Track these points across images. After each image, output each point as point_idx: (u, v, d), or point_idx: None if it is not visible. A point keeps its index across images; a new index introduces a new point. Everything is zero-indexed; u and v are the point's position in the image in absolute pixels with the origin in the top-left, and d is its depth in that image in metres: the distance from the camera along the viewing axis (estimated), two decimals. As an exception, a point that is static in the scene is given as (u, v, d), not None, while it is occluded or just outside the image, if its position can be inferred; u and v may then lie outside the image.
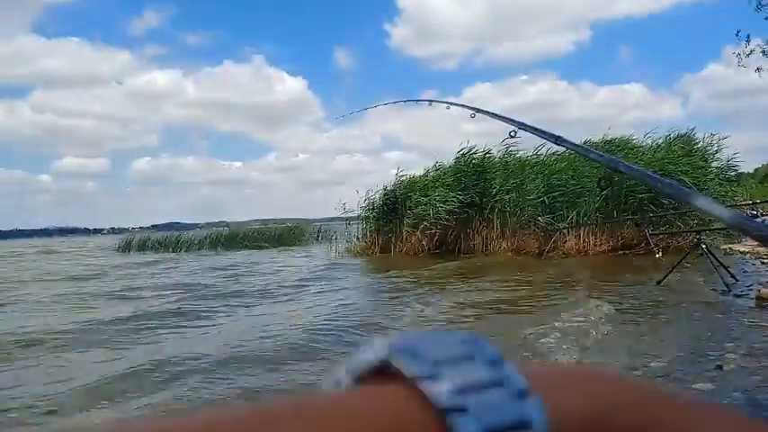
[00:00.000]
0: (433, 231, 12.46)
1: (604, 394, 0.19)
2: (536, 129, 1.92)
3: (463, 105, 2.80)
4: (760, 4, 11.37)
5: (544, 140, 1.87)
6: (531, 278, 7.98)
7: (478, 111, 2.56)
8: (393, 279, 8.50)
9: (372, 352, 0.18)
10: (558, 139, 1.76)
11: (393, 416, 0.16)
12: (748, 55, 11.52)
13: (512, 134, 2.08)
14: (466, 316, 5.36)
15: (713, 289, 5.99)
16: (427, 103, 3.61)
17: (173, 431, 0.15)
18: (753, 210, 10.25)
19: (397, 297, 6.69)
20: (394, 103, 4.71)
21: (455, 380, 0.16)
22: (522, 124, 2.02)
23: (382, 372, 0.18)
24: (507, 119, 2.14)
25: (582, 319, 4.80)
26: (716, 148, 12.65)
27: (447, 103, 3.11)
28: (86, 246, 30.59)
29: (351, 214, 14.51)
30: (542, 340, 4.08)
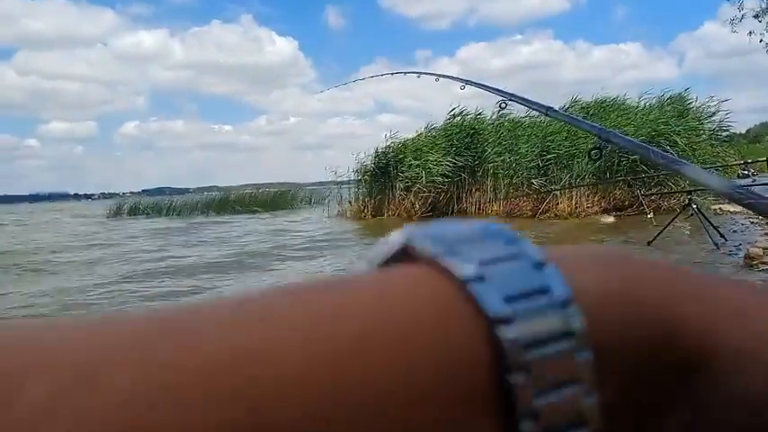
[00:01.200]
0: (425, 194, 12.45)
1: (619, 268, 0.19)
2: (526, 100, 1.92)
3: (452, 77, 2.79)
4: None
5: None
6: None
7: (468, 83, 2.55)
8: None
9: (392, 239, 0.19)
10: (548, 110, 1.76)
11: (415, 288, 0.16)
12: (740, 20, 11.41)
13: (502, 106, 2.09)
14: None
15: (703, 248, 6.06)
16: (415, 75, 3.55)
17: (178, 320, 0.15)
18: (744, 170, 10.31)
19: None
20: (381, 75, 4.61)
21: (474, 255, 0.17)
22: (512, 95, 2.02)
23: (405, 257, 0.18)
24: (497, 90, 2.14)
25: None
26: (713, 110, 12.56)
27: (436, 75, 3.08)
28: (71, 212, 30.39)
29: (343, 178, 14.45)
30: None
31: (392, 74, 3.98)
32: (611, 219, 10.33)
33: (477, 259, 0.17)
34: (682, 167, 1.17)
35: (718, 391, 0.17)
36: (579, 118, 1.67)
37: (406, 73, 3.73)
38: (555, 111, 1.73)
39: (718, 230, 6.37)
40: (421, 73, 3.44)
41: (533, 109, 1.88)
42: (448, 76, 2.90)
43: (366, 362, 0.14)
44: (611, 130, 1.50)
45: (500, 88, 2.14)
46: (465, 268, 0.16)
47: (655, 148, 1.30)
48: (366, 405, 0.13)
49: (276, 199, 21.60)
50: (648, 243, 6.52)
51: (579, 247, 0.20)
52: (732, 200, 1.06)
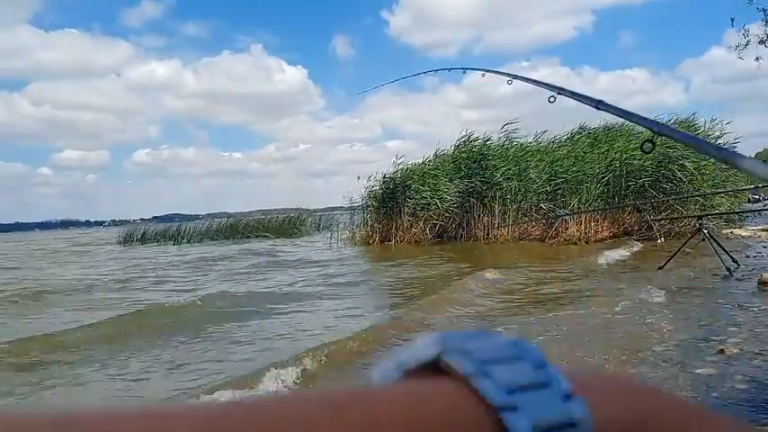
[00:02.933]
0: (434, 220, 12.45)
1: (639, 403, 0.19)
2: (575, 93, 1.89)
3: (499, 72, 2.71)
4: None
5: (584, 104, 1.82)
6: (533, 267, 7.98)
7: (516, 77, 2.50)
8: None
9: (423, 347, 0.19)
10: (599, 104, 1.72)
11: (449, 409, 0.17)
12: (746, 45, 11.51)
13: (550, 99, 2.04)
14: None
15: (715, 274, 5.98)
16: (463, 71, 3.23)
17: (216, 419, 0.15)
18: (755, 194, 10.24)
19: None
20: (422, 73, 4.43)
21: (506, 379, 0.17)
22: (561, 89, 1.98)
23: (432, 367, 0.18)
24: (546, 84, 2.11)
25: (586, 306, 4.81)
26: (718, 133, 12.57)
27: (482, 69, 2.92)
28: (85, 239, 30.59)
29: (353, 204, 14.48)
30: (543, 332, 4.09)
31: (436, 71, 3.67)
32: (638, 245, 9.64)
33: (509, 385, 0.17)
34: (737, 160, 1.18)
35: None
36: (631, 111, 1.68)
37: (450, 69, 3.45)
38: (606, 104, 1.72)
39: (730, 255, 6.30)
40: (466, 68, 3.23)
41: (583, 102, 1.85)
42: (495, 71, 2.79)
43: None
44: (662, 123, 1.50)
45: (548, 83, 2.11)
46: (498, 394, 0.17)
47: (707, 141, 1.31)
48: None
49: (285, 225, 21.68)
50: (659, 268, 6.46)
51: (607, 377, 0.21)
52: None
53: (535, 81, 2.25)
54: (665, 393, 0.21)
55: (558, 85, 2.04)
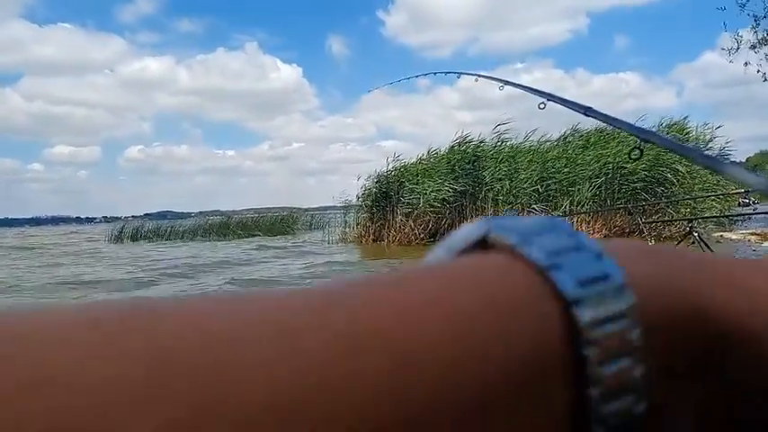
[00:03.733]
0: (426, 220, 12.44)
1: (663, 260, 0.22)
2: (565, 100, 1.90)
3: (491, 77, 2.74)
4: (743, 4, 11.49)
5: (573, 112, 1.84)
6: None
7: (507, 83, 2.52)
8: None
9: (470, 230, 0.21)
10: (587, 111, 1.73)
11: (504, 274, 0.19)
12: (737, 50, 11.63)
13: (540, 106, 2.06)
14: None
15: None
16: (456, 76, 3.41)
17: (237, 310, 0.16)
18: (745, 198, 10.31)
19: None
20: (422, 75, 4.47)
21: (547, 245, 0.20)
22: (551, 95, 1.99)
23: (480, 247, 0.21)
24: (536, 90, 2.12)
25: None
26: (709, 137, 12.68)
27: (476, 75, 3.02)
28: (74, 236, 30.41)
29: (346, 203, 14.47)
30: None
31: (435, 74, 3.80)
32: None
33: (550, 249, 0.19)
34: (724, 167, 1.20)
35: (741, 369, 0.21)
36: (617, 118, 1.69)
37: (446, 73, 3.59)
38: (594, 111, 1.73)
39: (719, 259, 6.33)
40: (461, 73, 3.35)
41: (572, 108, 1.86)
42: (487, 77, 2.85)
43: (478, 338, 0.17)
44: (651, 130, 1.47)
45: (539, 89, 2.13)
46: (542, 257, 0.19)
47: (695, 147, 1.32)
48: (480, 373, 0.16)
49: (277, 223, 21.63)
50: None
51: (627, 241, 0.23)
52: None
53: (526, 87, 2.27)
54: (686, 253, 0.24)
55: (548, 91, 2.08)
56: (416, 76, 4.54)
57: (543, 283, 0.19)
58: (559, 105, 1.90)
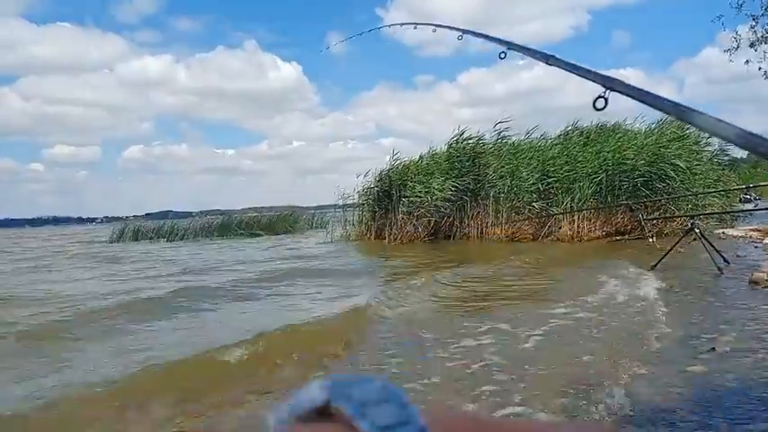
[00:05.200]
0: (427, 218, 12.46)
1: None
2: (526, 48, 1.84)
3: (450, 27, 2.69)
4: (739, 5, 11.53)
5: (536, 60, 1.74)
6: (527, 264, 8.01)
7: (465, 32, 2.47)
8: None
9: (314, 394, 0.24)
10: (549, 59, 1.66)
11: None
12: (737, 49, 11.67)
13: (501, 56, 1.99)
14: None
15: (706, 273, 6.03)
16: (414, 27, 3.37)
17: None
18: (746, 194, 10.34)
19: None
20: (400, 24, 4.42)
21: (377, 419, 0.22)
22: (511, 44, 1.93)
23: (321, 411, 0.23)
24: (496, 39, 2.05)
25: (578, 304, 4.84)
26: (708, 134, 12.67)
27: (433, 25, 3.00)
28: (73, 236, 30.41)
29: (347, 201, 14.49)
30: (536, 331, 4.12)
31: (390, 26, 3.79)
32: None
33: (381, 424, 0.22)
34: (691, 115, 1.15)
35: None
36: (580, 65, 1.59)
37: (402, 24, 3.58)
38: (556, 58, 1.67)
39: (721, 255, 6.35)
40: (417, 24, 3.31)
41: (534, 57, 1.78)
42: (445, 26, 2.78)
43: None
44: (616, 78, 1.37)
45: (500, 37, 2.04)
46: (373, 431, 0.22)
47: (662, 95, 1.26)
48: None
49: (278, 222, 21.63)
50: (652, 267, 6.50)
51: (459, 417, 0.26)
52: (748, 148, 1.03)
53: (485, 36, 2.20)
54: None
55: (508, 40, 1.98)
56: (378, 28, 4.51)
57: None
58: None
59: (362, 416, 0.22)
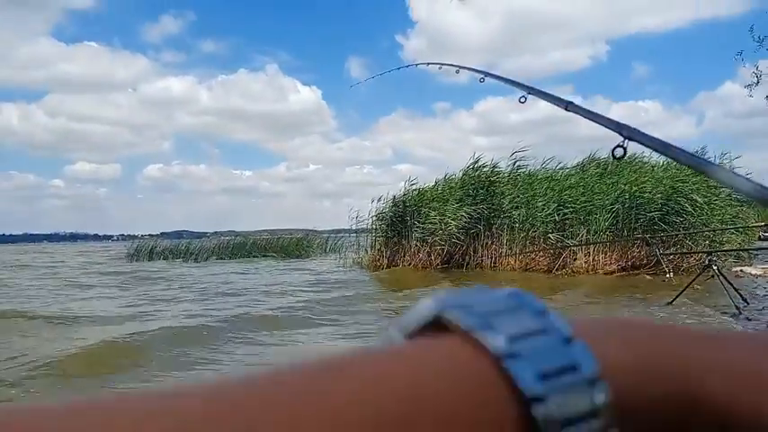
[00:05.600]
0: (441, 246, 12.42)
1: (643, 342, 0.20)
2: (546, 93, 1.85)
3: (472, 69, 2.73)
4: (761, 39, 11.53)
5: (555, 106, 1.76)
6: (542, 297, 7.91)
7: (488, 74, 2.50)
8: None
9: (424, 308, 0.19)
10: (568, 105, 1.68)
11: (452, 364, 0.17)
12: (756, 83, 11.65)
13: (521, 100, 2.01)
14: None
15: (724, 312, 5.93)
16: (437, 66, 3.50)
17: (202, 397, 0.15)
18: (766, 232, 10.19)
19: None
20: (393, 70, 4.53)
21: (507, 329, 0.17)
22: (532, 88, 1.94)
23: (435, 326, 0.19)
24: (517, 83, 2.07)
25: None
26: (728, 168, 12.55)
27: (457, 66, 3.07)
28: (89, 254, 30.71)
29: (361, 225, 14.53)
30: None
31: (416, 65, 3.92)
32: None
33: (510, 334, 0.17)
34: (712, 169, 1.10)
35: None
36: (598, 113, 1.60)
37: (428, 64, 3.71)
38: (575, 105, 1.68)
39: (739, 293, 6.25)
40: (442, 64, 3.41)
41: (553, 103, 1.80)
42: (468, 68, 2.85)
43: None
44: (634, 127, 1.36)
45: (519, 81, 2.05)
46: (499, 343, 0.17)
47: (682, 148, 1.25)
48: None
49: (292, 245, 21.71)
50: (669, 303, 6.41)
51: (605, 319, 0.21)
52: (763, 202, 1.01)
53: (506, 79, 2.22)
54: (674, 328, 0.22)
55: (529, 84, 1.99)
56: (398, 69, 4.63)
57: (499, 376, 0.17)
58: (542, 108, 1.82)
59: (487, 326, 0.18)
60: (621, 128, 1.38)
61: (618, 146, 1.37)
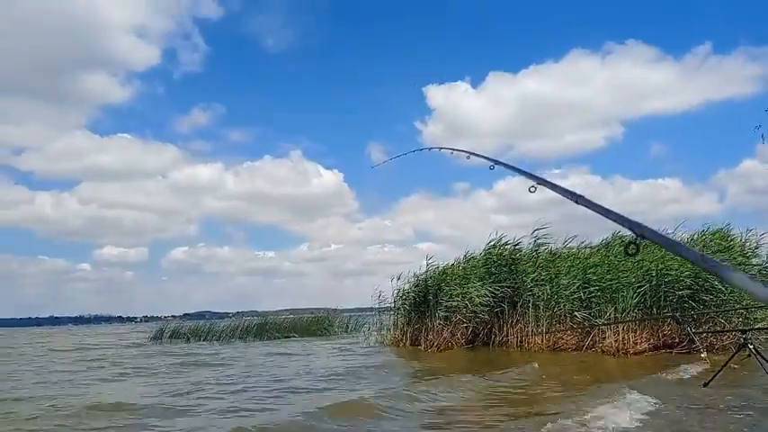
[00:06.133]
0: (465, 325, 12.23)
1: None
2: (556, 186, 1.88)
3: (483, 156, 2.81)
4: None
5: (565, 198, 1.80)
6: (568, 377, 7.69)
7: (497, 163, 2.56)
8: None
9: None
10: (578, 199, 1.70)
11: None
12: None
13: (531, 190, 2.03)
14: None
15: (765, 392, 5.68)
16: (450, 152, 3.64)
17: None
18: (800, 308, 9.86)
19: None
20: (411, 152, 4.66)
21: None
22: (542, 180, 1.98)
23: None
24: (527, 173, 2.11)
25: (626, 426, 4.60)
26: (755, 244, 12.41)
27: (467, 152, 3.19)
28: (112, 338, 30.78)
29: (383, 304, 14.44)
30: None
31: (428, 149, 4.15)
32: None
33: None
34: (725, 272, 1.05)
35: None
36: (609, 208, 1.61)
37: (441, 149, 3.87)
38: (585, 199, 1.67)
39: (779, 373, 5.99)
40: (453, 149, 3.56)
41: (563, 195, 1.77)
42: (478, 155, 2.93)
43: None
44: (645, 225, 1.38)
45: (530, 172, 2.10)
46: None
47: (691, 249, 1.23)
48: None
49: (313, 325, 21.56)
50: (704, 385, 6.17)
51: None
52: None
53: (516, 169, 2.26)
54: None
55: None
56: (413, 152, 4.84)
57: None
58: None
59: None
60: (633, 225, 1.41)
61: (631, 242, 1.40)
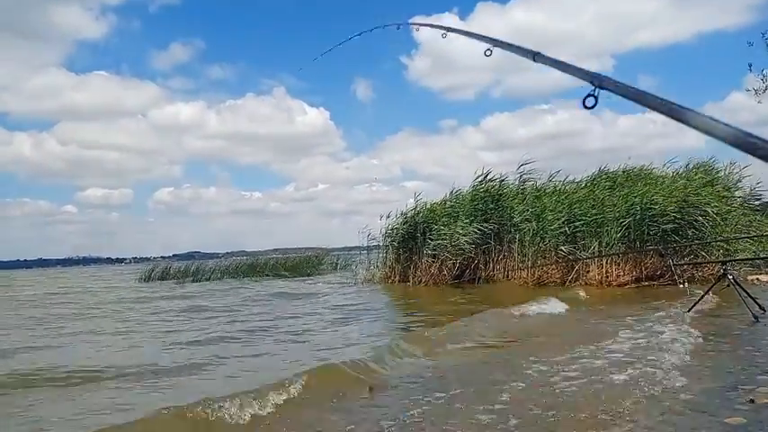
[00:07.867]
0: (453, 261, 12.42)
1: None
2: (511, 45, 1.83)
3: (432, 25, 2.75)
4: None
5: (522, 58, 1.70)
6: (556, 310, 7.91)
7: (450, 30, 2.54)
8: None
9: None
10: (535, 56, 1.64)
11: None
12: (764, 90, 11.63)
13: (486, 53, 1.98)
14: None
15: (742, 320, 5.89)
16: (397, 28, 3.46)
17: None
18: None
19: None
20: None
21: None
22: (497, 41, 1.94)
23: None
24: (480, 36, 2.06)
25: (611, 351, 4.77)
26: (737, 178, 12.57)
27: (417, 24, 3.18)
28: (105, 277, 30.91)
29: (372, 242, 14.55)
30: (568, 373, 4.07)
31: (384, 26, 3.84)
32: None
33: None
34: (684, 114, 1.07)
35: None
36: (567, 62, 1.55)
37: (398, 25, 3.65)
38: (542, 56, 1.65)
39: (756, 301, 6.21)
40: (400, 24, 3.41)
41: (519, 54, 1.73)
42: (427, 25, 2.87)
43: None
44: (605, 75, 1.31)
45: (483, 34, 2.03)
46: None
47: (655, 94, 1.21)
48: None
49: (303, 264, 21.78)
50: (684, 313, 6.38)
51: None
52: (746, 149, 0.97)
53: (469, 33, 2.21)
54: None
55: (495, 37, 1.97)
56: (383, 27, 4.40)
57: None
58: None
59: None
60: (592, 77, 1.34)
61: (589, 95, 1.33)
